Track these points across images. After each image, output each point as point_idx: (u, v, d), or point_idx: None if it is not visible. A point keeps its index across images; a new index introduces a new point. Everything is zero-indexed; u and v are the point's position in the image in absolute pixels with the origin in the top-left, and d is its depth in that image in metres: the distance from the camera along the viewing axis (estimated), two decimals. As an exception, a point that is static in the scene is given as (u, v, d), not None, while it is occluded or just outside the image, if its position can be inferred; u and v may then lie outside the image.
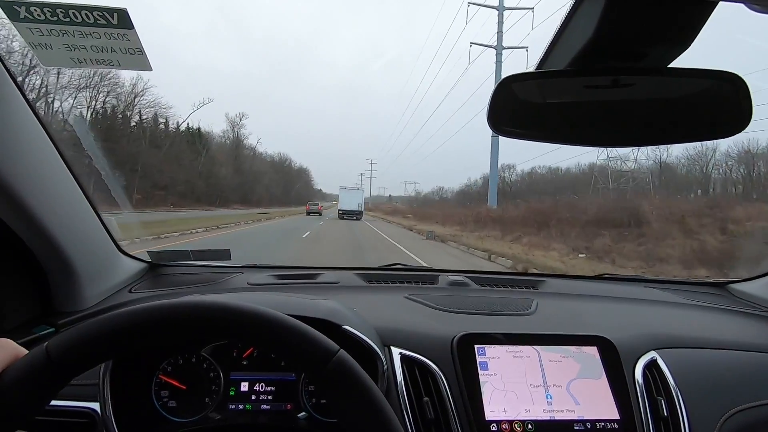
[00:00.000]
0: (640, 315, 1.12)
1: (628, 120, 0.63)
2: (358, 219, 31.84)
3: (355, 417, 0.44)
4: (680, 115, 0.61)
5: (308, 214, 34.48)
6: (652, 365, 0.84)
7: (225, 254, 1.28)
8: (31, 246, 0.82)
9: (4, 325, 0.82)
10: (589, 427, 0.75)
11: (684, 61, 0.54)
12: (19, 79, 0.68)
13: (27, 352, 0.43)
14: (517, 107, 0.62)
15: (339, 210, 34.26)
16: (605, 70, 0.58)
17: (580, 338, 0.85)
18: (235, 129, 53.50)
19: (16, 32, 0.58)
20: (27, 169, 0.73)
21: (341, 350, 0.46)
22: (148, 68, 0.61)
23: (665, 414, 0.77)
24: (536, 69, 0.62)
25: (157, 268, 1.21)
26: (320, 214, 34.68)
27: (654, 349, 0.87)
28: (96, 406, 0.71)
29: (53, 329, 0.85)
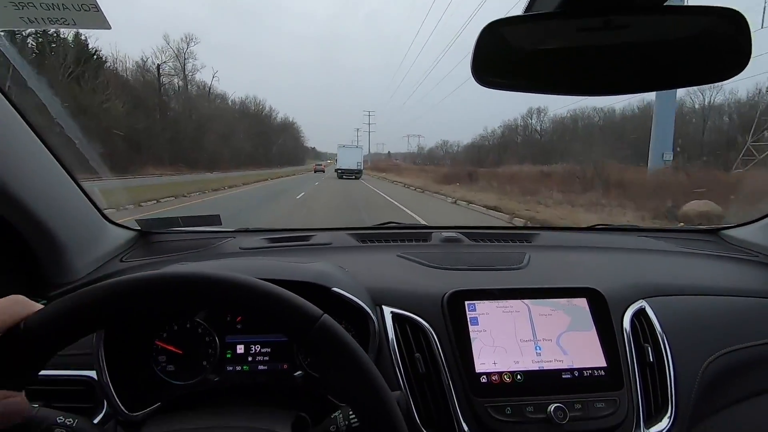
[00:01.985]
0: (632, 264, 1.13)
1: (623, 65, 0.60)
2: (357, 178, 31.56)
3: (341, 380, 0.44)
4: (678, 58, 0.58)
5: (315, 172, 41.11)
6: (640, 314, 0.86)
7: (215, 219, 1.27)
8: (12, 222, 0.80)
9: None
10: (576, 375, 0.77)
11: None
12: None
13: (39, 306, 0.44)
14: (503, 55, 0.58)
15: (337, 169, 33.84)
16: (599, 10, 0.54)
17: (570, 290, 0.86)
18: (181, 59, 38.74)
19: None
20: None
21: (325, 315, 0.46)
22: (107, 26, 0.56)
23: (651, 360, 0.80)
24: (524, 12, 0.58)
25: (147, 235, 1.20)
26: (323, 172, 40.17)
27: (643, 298, 0.89)
28: (93, 374, 0.72)
29: (46, 302, 0.85)
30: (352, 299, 0.78)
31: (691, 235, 1.42)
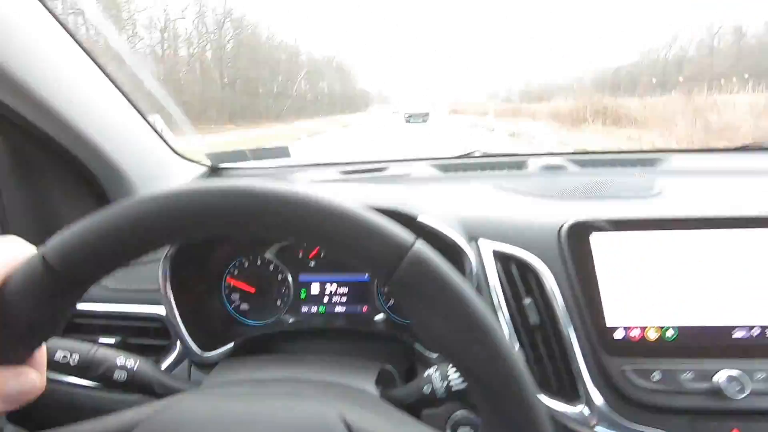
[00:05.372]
0: None
1: None
2: (425, 121, 30.64)
3: (443, 329, 0.30)
4: None
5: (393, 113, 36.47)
6: None
7: (284, 151, 1.17)
8: (79, 156, 0.76)
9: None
10: (755, 334, 0.56)
11: None
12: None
13: (34, 250, 0.33)
14: None
15: (405, 114, 33.11)
16: None
17: (749, 220, 0.62)
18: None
19: None
20: (59, 79, 0.69)
21: (419, 240, 0.30)
22: None
23: None
24: None
25: (217, 170, 1.14)
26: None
27: None
28: (164, 310, 0.67)
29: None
30: (442, 231, 0.63)
31: None
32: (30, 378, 0.33)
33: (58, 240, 0.31)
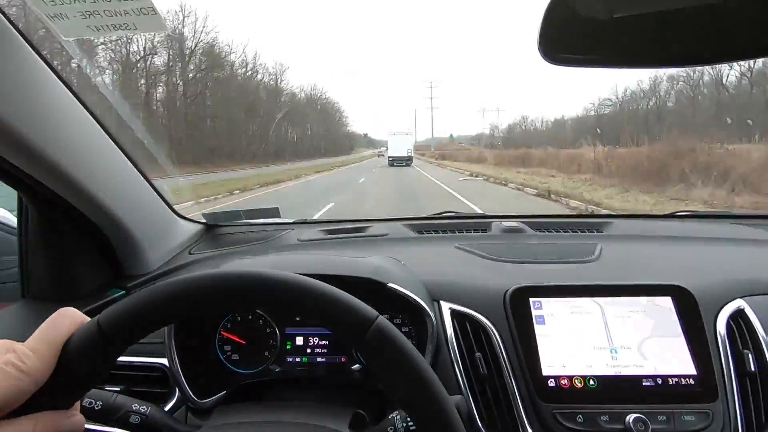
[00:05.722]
0: (725, 257, 1.00)
1: (718, 28, 0.50)
2: (408, 165, 31.56)
3: (397, 384, 0.42)
4: None
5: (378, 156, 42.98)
6: (737, 315, 0.75)
7: (274, 212, 1.31)
8: (94, 220, 0.87)
9: (82, 289, 0.90)
10: (660, 383, 0.69)
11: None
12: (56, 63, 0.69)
13: (89, 320, 0.45)
14: (575, 28, 0.51)
15: (389, 157, 34.20)
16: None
17: (652, 288, 0.77)
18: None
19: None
20: (77, 150, 0.78)
21: (380, 317, 0.43)
22: (163, 29, 0.58)
23: (752, 369, 0.69)
24: None
25: (213, 228, 1.26)
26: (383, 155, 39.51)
27: (741, 297, 0.77)
28: (166, 361, 0.76)
29: (124, 291, 0.92)
30: (408, 295, 0.76)
31: None
32: (77, 419, 0.43)
33: (110, 310, 0.44)
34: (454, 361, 0.73)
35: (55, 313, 0.43)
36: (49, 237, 0.88)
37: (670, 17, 0.51)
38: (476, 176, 19.62)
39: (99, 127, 0.84)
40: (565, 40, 0.51)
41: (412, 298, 0.75)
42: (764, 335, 0.72)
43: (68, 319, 0.43)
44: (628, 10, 0.51)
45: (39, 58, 0.67)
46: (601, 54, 0.54)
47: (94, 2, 0.55)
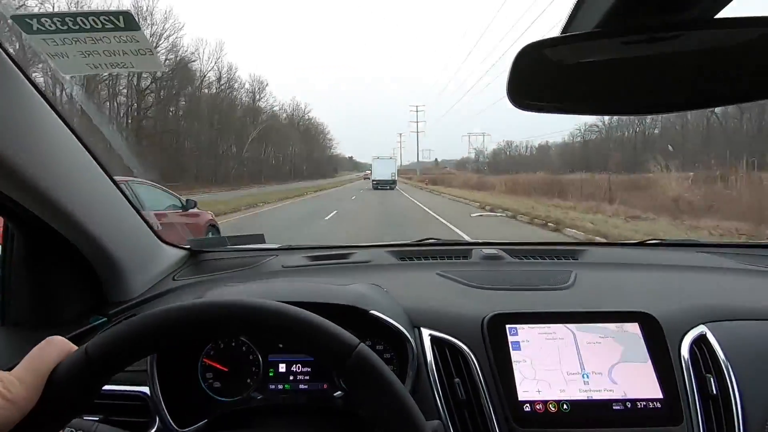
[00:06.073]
0: (690, 284, 1.05)
1: (674, 81, 0.56)
2: (391, 188, 31.95)
3: (377, 411, 0.44)
4: (732, 72, 0.54)
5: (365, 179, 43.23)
6: (700, 340, 0.80)
7: (259, 239, 1.32)
8: (78, 245, 0.87)
9: (63, 316, 0.90)
10: (629, 406, 0.73)
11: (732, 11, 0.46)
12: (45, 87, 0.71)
13: (76, 348, 0.46)
14: (542, 78, 0.57)
15: (372, 180, 34.68)
16: (643, 27, 0.52)
17: (620, 315, 0.81)
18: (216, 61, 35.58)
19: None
20: (61, 175, 0.78)
21: (361, 345, 0.46)
22: (160, 68, 0.61)
23: (714, 392, 0.73)
24: (562, 32, 0.56)
25: (197, 254, 1.26)
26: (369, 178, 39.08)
27: (703, 323, 0.82)
28: (147, 389, 0.76)
29: (106, 319, 0.91)
30: (390, 322, 0.78)
31: (763, 250, 1.30)
32: None
33: (100, 338, 0.45)
34: (433, 385, 0.75)
35: (43, 341, 0.44)
36: (31, 263, 0.88)
37: (625, 70, 0.57)
38: (497, 211, 13.41)
39: (85, 151, 0.85)
40: (532, 89, 0.57)
41: (394, 325, 0.78)
42: (724, 359, 0.77)
43: (56, 348, 0.44)
44: (588, 64, 0.57)
45: (27, 82, 0.68)
46: (564, 102, 0.59)
47: (95, 43, 0.58)
